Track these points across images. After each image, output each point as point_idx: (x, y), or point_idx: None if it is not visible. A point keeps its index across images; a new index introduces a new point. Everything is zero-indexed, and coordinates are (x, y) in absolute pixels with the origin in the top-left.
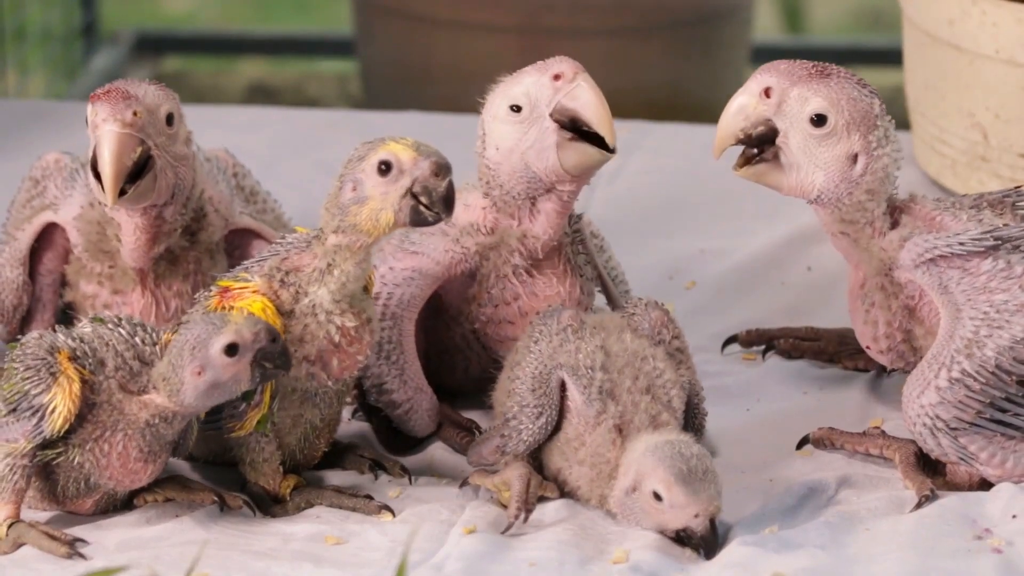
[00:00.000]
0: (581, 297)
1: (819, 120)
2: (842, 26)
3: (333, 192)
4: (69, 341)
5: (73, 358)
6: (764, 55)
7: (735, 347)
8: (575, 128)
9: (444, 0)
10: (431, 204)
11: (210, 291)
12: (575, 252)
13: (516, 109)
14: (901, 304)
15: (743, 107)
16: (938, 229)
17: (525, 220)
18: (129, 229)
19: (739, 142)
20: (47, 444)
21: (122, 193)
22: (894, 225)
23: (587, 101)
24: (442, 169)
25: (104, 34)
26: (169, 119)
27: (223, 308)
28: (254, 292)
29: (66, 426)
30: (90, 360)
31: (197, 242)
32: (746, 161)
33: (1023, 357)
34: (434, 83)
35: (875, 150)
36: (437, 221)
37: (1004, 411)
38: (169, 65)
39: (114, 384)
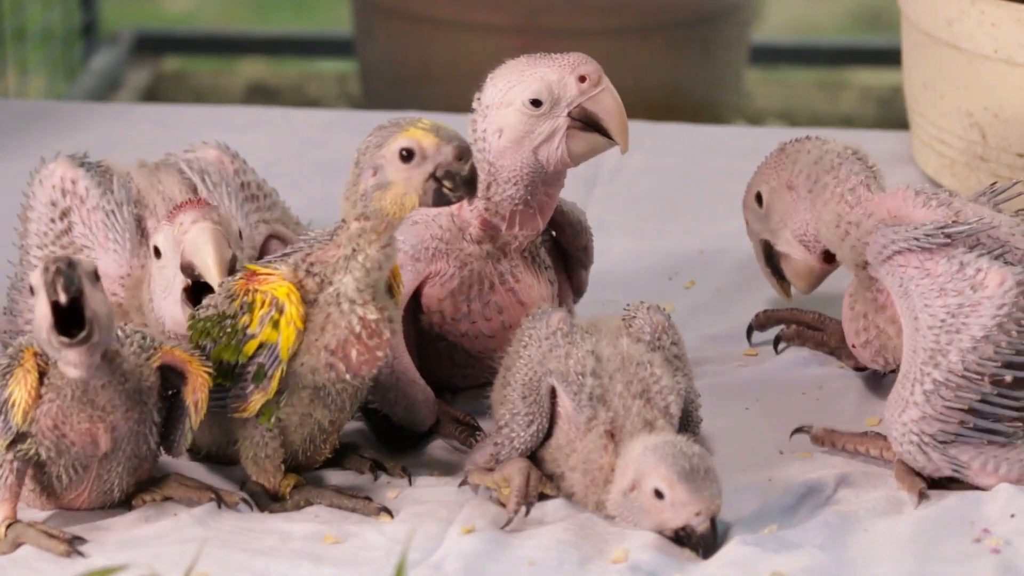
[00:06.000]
0: (552, 291)
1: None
2: (841, 26)
3: (351, 180)
4: None
5: (38, 353)
6: (764, 55)
7: (734, 346)
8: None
9: (444, 0)
10: (455, 187)
11: (236, 275)
12: (536, 245)
13: (536, 104)
14: (872, 297)
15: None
16: (903, 220)
17: (515, 222)
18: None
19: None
20: (26, 439)
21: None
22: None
23: (610, 108)
24: (464, 153)
25: (104, 34)
26: (239, 234)
27: (248, 290)
28: (280, 278)
29: (28, 419)
30: None
31: None
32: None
33: (988, 354)
34: (433, 83)
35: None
36: (459, 201)
37: (985, 415)
38: (169, 65)
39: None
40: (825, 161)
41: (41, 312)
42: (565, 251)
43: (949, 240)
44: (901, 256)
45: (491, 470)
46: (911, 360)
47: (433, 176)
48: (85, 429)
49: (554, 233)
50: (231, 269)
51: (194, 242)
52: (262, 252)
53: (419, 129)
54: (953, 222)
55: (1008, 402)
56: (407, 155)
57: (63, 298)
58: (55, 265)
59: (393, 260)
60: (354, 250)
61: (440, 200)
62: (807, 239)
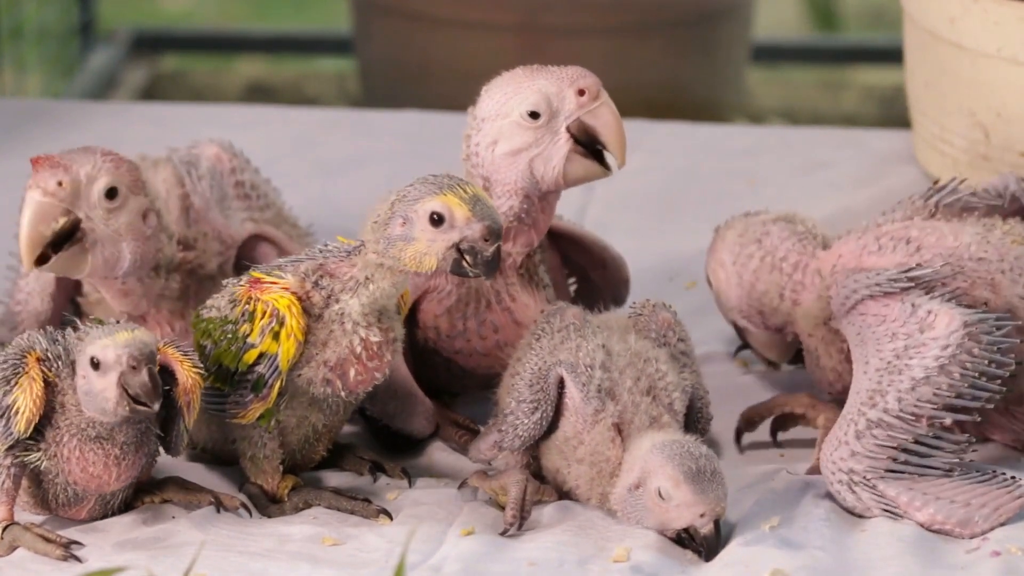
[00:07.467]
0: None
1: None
2: (842, 24)
3: (383, 218)
4: (44, 342)
5: (42, 359)
6: (764, 54)
7: (733, 348)
8: (584, 142)
9: None
10: (474, 264)
11: (241, 278)
12: (535, 264)
13: (534, 116)
14: (839, 348)
15: None
16: (861, 267)
17: (510, 237)
18: (108, 292)
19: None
20: (26, 447)
21: (45, 260)
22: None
23: (609, 123)
24: (492, 234)
25: (101, 32)
26: (110, 192)
27: (251, 298)
28: (284, 288)
29: (30, 428)
30: (60, 362)
31: (195, 278)
32: None
33: (927, 396)
34: (432, 81)
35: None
36: (476, 277)
37: (918, 455)
38: (167, 64)
39: (73, 388)
40: (749, 234)
41: (106, 387)
42: (597, 289)
43: (912, 284)
44: (863, 304)
45: (492, 475)
46: (852, 401)
47: (457, 247)
48: (97, 473)
49: (588, 272)
50: (66, 237)
51: (23, 209)
52: (244, 249)
53: (456, 197)
54: (917, 265)
55: (943, 444)
56: (437, 219)
57: (156, 407)
58: (147, 369)
59: (402, 288)
60: (367, 278)
61: (457, 271)
62: (746, 312)
